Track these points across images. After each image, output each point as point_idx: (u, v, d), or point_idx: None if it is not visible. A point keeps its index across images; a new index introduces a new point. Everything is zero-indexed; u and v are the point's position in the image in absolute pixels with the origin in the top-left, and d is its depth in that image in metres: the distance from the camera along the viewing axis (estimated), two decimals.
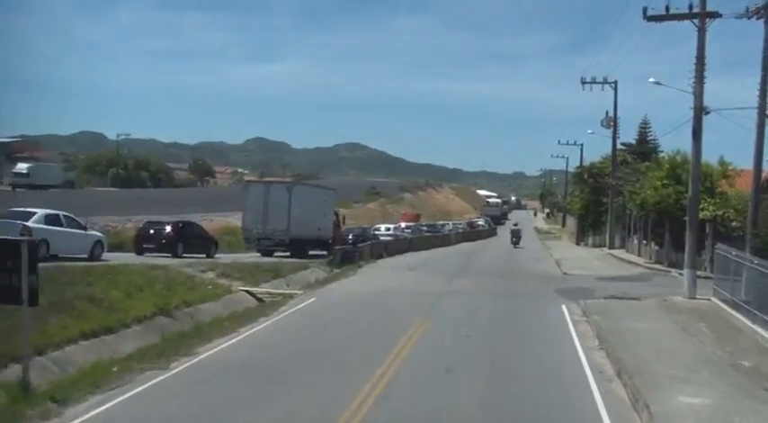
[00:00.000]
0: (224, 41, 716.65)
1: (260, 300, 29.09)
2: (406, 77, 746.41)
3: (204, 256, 36.74)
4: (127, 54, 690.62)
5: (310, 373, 15.96)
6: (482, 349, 18.81)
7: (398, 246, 52.01)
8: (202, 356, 17.75)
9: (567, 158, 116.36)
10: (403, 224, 68.98)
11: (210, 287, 27.73)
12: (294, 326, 22.26)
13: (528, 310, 25.27)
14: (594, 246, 66.26)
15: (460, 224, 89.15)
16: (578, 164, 78.54)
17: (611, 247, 55.08)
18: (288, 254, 41.89)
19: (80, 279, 23.10)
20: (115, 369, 16.35)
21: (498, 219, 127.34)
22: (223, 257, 37.92)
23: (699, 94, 27.69)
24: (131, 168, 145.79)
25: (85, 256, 29.18)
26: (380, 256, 46.21)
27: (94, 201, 62.97)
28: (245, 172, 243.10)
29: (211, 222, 51.93)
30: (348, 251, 40.56)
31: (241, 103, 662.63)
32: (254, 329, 21.52)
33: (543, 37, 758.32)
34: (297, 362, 17.09)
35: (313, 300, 27.39)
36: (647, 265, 40.59)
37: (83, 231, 29.72)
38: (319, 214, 44.89)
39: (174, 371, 16.37)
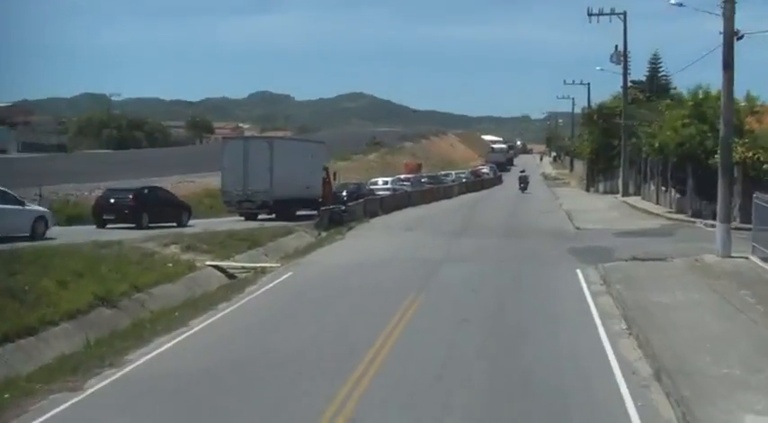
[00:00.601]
0: None
1: (231, 276, 25.41)
2: (409, 24, 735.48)
3: (175, 224, 33.01)
4: (125, 13, 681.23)
5: (262, 390, 12.35)
6: (482, 342, 15.12)
7: (396, 201, 48.18)
8: (130, 368, 14.15)
9: (573, 99, 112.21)
10: (402, 176, 65.05)
11: (171, 265, 23.98)
12: (257, 315, 18.58)
13: (538, 281, 21.54)
14: (606, 192, 62.27)
15: (464, 173, 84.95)
16: (586, 105, 74.36)
17: (625, 194, 51.13)
18: (273, 216, 38.32)
19: (2, 266, 19.33)
20: (7, 396, 12.70)
21: (504, 165, 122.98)
22: (200, 224, 34.31)
23: (730, 15, 23.63)
24: (126, 128, 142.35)
25: (27, 234, 25.43)
26: (375, 215, 42.45)
27: (68, 166, 59.06)
28: (246, 126, 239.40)
29: (193, 184, 48.26)
30: (336, 212, 36.79)
31: (243, 58, 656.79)
32: (208, 321, 17.90)
33: None
34: (248, 372, 13.43)
35: (289, 275, 23.74)
36: (669, 215, 36.67)
37: (19, 206, 25.87)
38: (306, 171, 41.06)
39: (87, 392, 12.80)
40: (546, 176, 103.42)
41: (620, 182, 55.12)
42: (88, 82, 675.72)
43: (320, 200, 42.75)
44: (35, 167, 56.92)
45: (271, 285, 22.23)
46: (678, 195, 36.94)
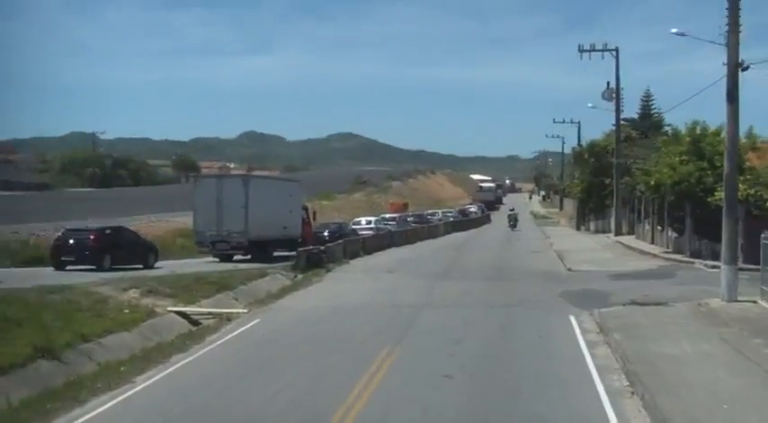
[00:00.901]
0: (213, 36, 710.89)
1: (195, 323, 23.34)
2: (398, 65, 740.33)
3: (141, 266, 30.95)
4: (116, 54, 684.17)
5: None
6: (465, 403, 13.08)
7: (378, 241, 46.18)
8: None
9: (563, 139, 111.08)
10: (387, 216, 63.10)
11: (127, 311, 21.90)
12: (214, 369, 16.48)
13: (528, 330, 19.56)
14: (597, 231, 60.50)
15: (451, 212, 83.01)
16: (576, 143, 72.96)
17: (618, 233, 49.34)
18: (249, 258, 36.39)
19: None
20: None
21: (492, 204, 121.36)
22: (169, 266, 32.32)
23: (734, 44, 21.94)
24: (110, 167, 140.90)
25: None
26: (356, 255, 40.48)
27: (44, 205, 56.97)
28: (233, 166, 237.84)
29: (167, 223, 46.19)
30: (314, 253, 34.76)
31: (233, 98, 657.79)
32: (158, 376, 15.85)
33: (536, 19, 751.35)
34: None
35: (256, 322, 21.70)
36: (665, 255, 34.79)
37: None
38: (284, 210, 39.14)
39: None
40: (535, 215, 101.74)
41: (612, 221, 53.45)
42: (77, 121, 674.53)
43: (300, 240, 40.80)
44: (11, 206, 55.15)
45: (234, 334, 20.19)
46: (675, 235, 35.14)
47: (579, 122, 73.59)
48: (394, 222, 59.05)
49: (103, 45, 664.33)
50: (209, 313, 23.82)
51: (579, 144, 65.17)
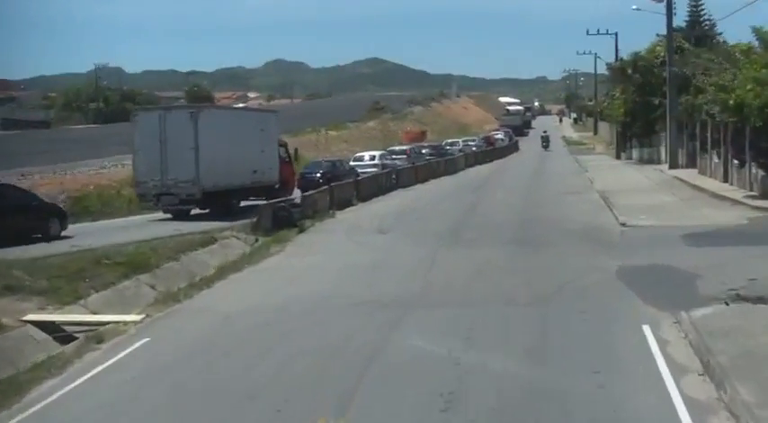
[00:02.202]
0: None
1: (67, 337, 15.33)
2: None
3: (40, 235, 22.88)
4: None
5: None
6: None
7: (379, 183, 37.65)
8: None
9: (596, 55, 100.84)
10: (397, 148, 54.27)
11: None
12: None
13: (573, 359, 11.30)
14: (642, 161, 51.62)
15: (474, 141, 73.73)
16: (614, 58, 63.31)
17: (674, 165, 40.32)
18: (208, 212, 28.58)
19: None
20: None
21: (520, 129, 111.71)
22: (90, 231, 24.61)
23: None
24: (118, 101, 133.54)
25: None
26: (348, 204, 32.23)
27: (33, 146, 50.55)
28: (253, 96, 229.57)
29: (122, 167, 38.08)
30: (281, 207, 26.41)
31: (257, 27, 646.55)
32: None
33: None
34: None
35: (140, 345, 13.76)
36: (750, 201, 25.91)
37: None
38: (252, 150, 31.00)
39: None
40: (567, 141, 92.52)
41: (663, 149, 44.58)
42: (103, 56, 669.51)
43: (277, 186, 32.68)
44: None
45: (86, 377, 12.16)
46: (762, 172, 26.30)
47: (616, 33, 63.96)
48: (404, 156, 50.40)
49: None
50: (86, 323, 15.75)
51: (619, 58, 55.45)
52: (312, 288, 17.25)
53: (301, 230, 25.73)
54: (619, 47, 64.31)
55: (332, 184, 32.74)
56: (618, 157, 61.60)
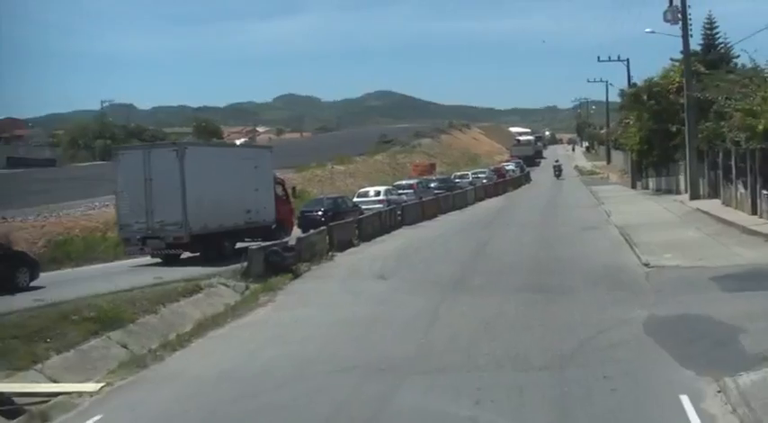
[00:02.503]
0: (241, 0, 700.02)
1: (17, 412, 13.27)
2: (432, 19, 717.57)
3: (6, 288, 20.88)
4: (147, 22, 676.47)
5: None
6: None
7: (381, 221, 35.48)
8: None
9: (608, 83, 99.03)
10: (404, 182, 52.32)
11: None
12: None
13: None
14: (660, 191, 49.56)
15: (484, 173, 71.78)
16: (626, 84, 61.36)
17: (695, 196, 38.16)
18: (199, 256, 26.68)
19: None
20: None
21: (532, 159, 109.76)
22: (65, 280, 22.64)
23: None
24: (124, 137, 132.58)
25: None
26: (349, 245, 30.16)
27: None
28: (262, 130, 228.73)
29: (111, 207, 36.06)
30: (274, 252, 24.33)
31: (267, 61, 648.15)
32: None
33: None
34: None
35: None
36: None
37: None
38: (245, 188, 29.10)
39: None
40: (581, 170, 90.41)
41: (682, 179, 42.52)
42: (114, 93, 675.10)
43: (274, 226, 30.77)
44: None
45: None
46: None
47: (628, 59, 62.02)
48: (411, 191, 48.40)
49: (130, 14, 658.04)
50: (36, 393, 13.70)
51: (632, 84, 53.46)
52: (299, 349, 15.17)
53: (295, 276, 23.70)
54: (631, 73, 62.20)
55: (331, 223, 30.66)
56: (633, 186, 59.58)
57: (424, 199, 46.56)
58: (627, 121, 56.92)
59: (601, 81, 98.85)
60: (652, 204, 39.81)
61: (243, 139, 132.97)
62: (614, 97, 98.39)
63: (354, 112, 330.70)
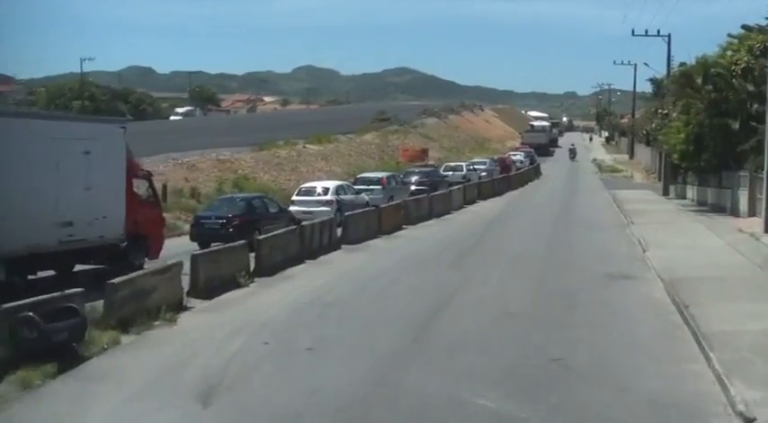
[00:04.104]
0: None
1: None
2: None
3: None
4: None
5: None
6: None
7: (303, 241, 23.32)
8: None
9: (636, 66, 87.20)
10: (372, 175, 40.33)
11: None
12: None
13: None
14: (704, 205, 38.07)
15: (484, 164, 59.57)
16: (666, 66, 49.45)
17: None
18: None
19: None
20: None
21: (545, 148, 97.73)
22: None
23: None
24: (106, 99, 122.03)
25: None
26: (231, 285, 18.67)
27: None
28: (269, 99, 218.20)
29: None
30: (29, 320, 12.58)
31: (289, 32, 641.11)
32: None
33: None
34: None
35: None
36: None
37: None
38: (63, 186, 17.73)
39: None
40: (600, 166, 78.40)
41: (742, 195, 30.96)
42: (134, 55, 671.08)
43: (124, 244, 19.50)
44: None
45: None
46: None
47: (669, 36, 49.81)
48: (378, 187, 36.74)
49: None
50: None
51: (680, 64, 41.13)
52: None
53: (61, 370, 12.35)
54: (672, 54, 49.84)
55: (198, 253, 19.16)
56: (666, 193, 47.96)
57: (394, 200, 35.07)
58: (662, 111, 45.06)
59: (629, 63, 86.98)
60: (704, 233, 27.98)
61: (184, 109, 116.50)
62: (642, 87, 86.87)
63: (373, 88, 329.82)
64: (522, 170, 63.87)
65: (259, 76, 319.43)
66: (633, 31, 51.62)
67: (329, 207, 30.76)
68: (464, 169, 52.02)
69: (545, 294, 17.93)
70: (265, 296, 18.05)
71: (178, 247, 22.49)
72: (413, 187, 41.39)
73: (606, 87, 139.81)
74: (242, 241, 20.15)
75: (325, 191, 31.64)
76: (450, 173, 50.37)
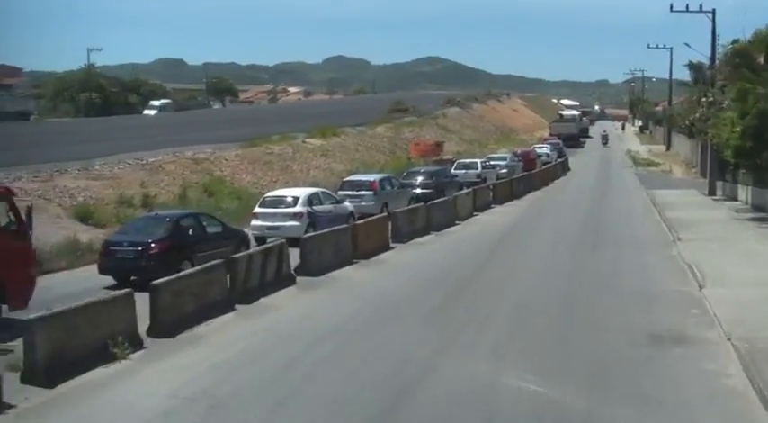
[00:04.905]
0: None
1: None
2: None
3: None
4: None
5: None
6: None
7: (235, 278, 16.91)
8: None
9: (672, 50, 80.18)
10: (357, 178, 33.55)
11: None
12: None
13: None
14: (755, 208, 31.63)
15: (504, 160, 52.41)
16: (710, 47, 42.57)
17: None
18: None
19: None
20: None
21: (576, 138, 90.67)
22: None
23: None
24: (116, 91, 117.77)
25: None
26: (152, 332, 12.70)
27: None
28: (293, 90, 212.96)
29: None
30: None
31: (320, 23, 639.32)
32: None
33: None
34: None
35: None
36: None
37: None
38: None
39: None
40: (634, 158, 71.52)
41: None
42: (166, 48, 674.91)
43: None
44: None
45: None
46: None
47: (714, 11, 42.88)
48: (369, 193, 30.51)
49: None
50: None
51: (733, 41, 34.18)
52: None
53: None
54: (717, 32, 42.90)
55: (38, 316, 13.13)
56: (712, 192, 41.33)
57: (389, 208, 28.99)
58: (707, 99, 38.46)
59: (664, 47, 79.74)
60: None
61: (159, 102, 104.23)
62: (678, 74, 79.84)
63: (403, 78, 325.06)
64: (547, 166, 57.04)
65: (290, 66, 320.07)
66: (672, 7, 44.60)
67: (298, 221, 24.78)
68: (479, 167, 45.09)
69: (557, 380, 11.69)
70: (140, 380, 12.04)
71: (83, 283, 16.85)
72: (417, 190, 35.16)
73: (639, 74, 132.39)
74: (126, 290, 14.10)
75: (295, 201, 25.47)
76: (463, 171, 43.65)
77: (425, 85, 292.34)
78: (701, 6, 43.47)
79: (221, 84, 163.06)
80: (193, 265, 18.16)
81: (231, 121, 68.54)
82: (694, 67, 62.97)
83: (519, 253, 23.86)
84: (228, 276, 16.77)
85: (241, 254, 17.88)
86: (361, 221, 24.03)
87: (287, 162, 45.00)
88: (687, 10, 44.17)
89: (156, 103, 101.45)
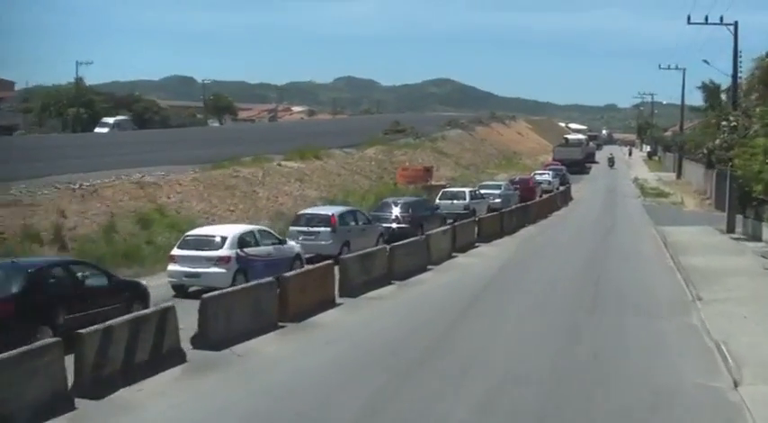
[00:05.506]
0: None
1: None
2: (495, 10, 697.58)
3: None
4: None
5: None
6: None
7: (79, 366, 11.99)
8: None
9: (684, 71, 75.75)
10: (317, 211, 28.43)
11: None
12: None
13: None
14: None
15: (498, 188, 47.03)
16: (732, 66, 37.67)
17: None
18: None
19: None
20: None
21: (581, 164, 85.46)
22: None
23: None
24: (107, 107, 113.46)
25: None
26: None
27: None
28: (297, 109, 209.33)
29: None
30: None
31: (330, 43, 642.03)
32: None
33: None
34: None
35: None
36: None
37: None
38: None
39: None
40: (642, 187, 66.50)
41: None
42: (177, 65, 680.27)
43: None
44: None
45: None
46: None
47: (736, 23, 37.90)
48: (326, 229, 25.56)
49: None
50: None
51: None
52: None
53: None
54: (739, 48, 38.00)
55: None
56: (731, 229, 36.35)
57: (350, 249, 24.09)
58: (729, 124, 33.66)
59: (676, 68, 75.08)
60: None
61: (113, 119, 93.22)
62: (689, 99, 75.89)
63: (413, 98, 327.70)
64: (547, 195, 51.96)
65: (300, 85, 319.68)
66: (689, 19, 39.68)
67: (224, 267, 19.87)
68: (467, 197, 39.95)
69: None
70: None
71: None
72: (393, 225, 30.21)
73: (648, 98, 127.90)
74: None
75: (223, 241, 20.50)
76: (449, 202, 38.53)
77: (435, 106, 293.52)
78: (721, 18, 38.59)
79: (220, 101, 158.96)
80: (55, 333, 13.34)
81: (209, 141, 63.97)
82: (708, 90, 58.25)
83: (496, 319, 18.51)
84: (74, 357, 11.85)
85: (93, 329, 12.66)
86: (292, 273, 18.93)
87: (254, 187, 40.11)
88: (706, 22, 39.27)
89: (109, 119, 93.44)
